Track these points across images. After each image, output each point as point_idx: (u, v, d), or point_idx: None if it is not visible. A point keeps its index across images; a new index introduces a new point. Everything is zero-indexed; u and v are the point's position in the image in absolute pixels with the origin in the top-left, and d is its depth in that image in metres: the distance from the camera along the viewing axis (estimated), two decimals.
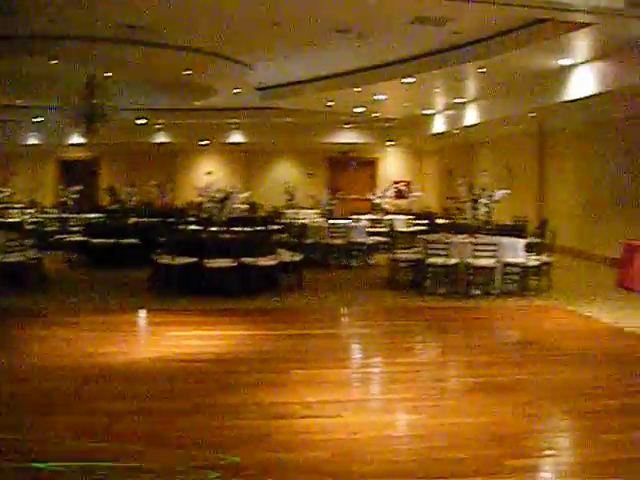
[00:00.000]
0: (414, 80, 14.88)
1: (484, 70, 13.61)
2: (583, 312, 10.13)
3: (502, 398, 6.06)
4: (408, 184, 25.10)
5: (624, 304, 10.80)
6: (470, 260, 11.29)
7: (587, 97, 12.79)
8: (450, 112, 19.82)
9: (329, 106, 19.77)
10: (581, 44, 11.37)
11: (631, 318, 9.72)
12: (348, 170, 26.76)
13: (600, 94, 12.45)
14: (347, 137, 26.03)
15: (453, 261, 11.31)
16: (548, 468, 4.72)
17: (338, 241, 15.07)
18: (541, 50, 11.70)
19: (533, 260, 11.72)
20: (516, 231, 13.54)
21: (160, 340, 8.23)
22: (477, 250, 11.32)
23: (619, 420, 5.57)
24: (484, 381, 6.57)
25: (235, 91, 18.37)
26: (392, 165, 28.49)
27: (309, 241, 14.91)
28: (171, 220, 17.40)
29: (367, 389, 6.69)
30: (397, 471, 4.52)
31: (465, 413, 5.63)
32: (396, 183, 23.39)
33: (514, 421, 5.54)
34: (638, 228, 13.04)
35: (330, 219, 16.04)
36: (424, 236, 12.50)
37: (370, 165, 28.27)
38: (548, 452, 5.04)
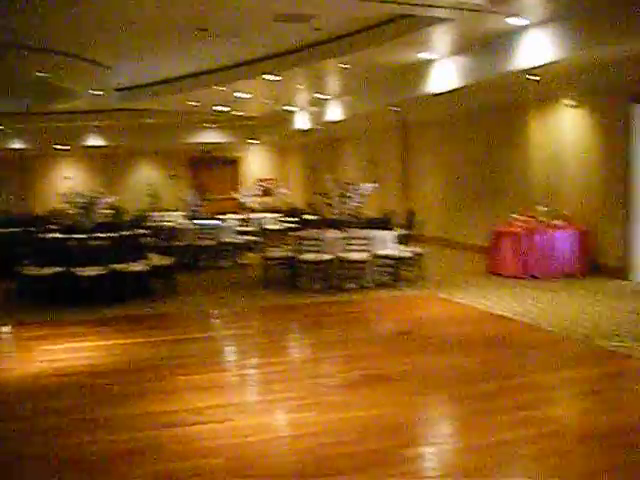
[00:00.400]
0: (277, 77, 14.83)
1: (347, 66, 13.73)
2: (456, 299, 10.42)
3: (388, 389, 6.12)
4: (273, 182, 25.12)
5: (494, 289, 11.17)
6: (343, 255, 11.38)
7: (448, 91, 13.12)
8: (313, 108, 19.91)
9: (194, 105, 19.45)
10: (441, 39, 11.64)
11: (502, 302, 10.07)
12: (212, 170, 26.50)
13: (460, 88, 12.79)
14: (210, 137, 25.72)
15: (326, 257, 11.35)
16: (440, 454, 4.77)
17: (207, 242, 14.86)
18: (402, 45, 11.89)
19: (404, 251, 11.94)
20: (384, 224, 13.75)
21: (35, 355, 7.80)
22: (349, 244, 11.42)
23: (500, 402, 5.73)
24: (368, 374, 6.61)
25: (93, 93, 17.76)
26: (256, 163, 28.44)
27: (178, 244, 14.64)
28: (32, 229, 16.63)
29: (254, 391, 6.58)
30: (293, 471, 4.46)
31: (353, 407, 5.63)
32: (261, 181, 23.35)
33: (402, 411, 5.58)
34: (503, 215, 13.50)
35: (197, 220, 15.79)
36: (296, 233, 12.49)
37: (234, 164, 28.11)
38: (438, 439, 5.11)
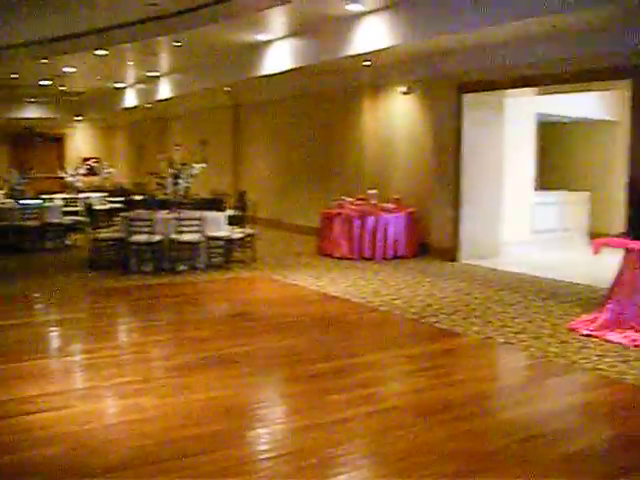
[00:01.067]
0: (106, 53, 14.34)
1: (179, 44, 13.49)
2: (289, 280, 10.51)
3: (227, 371, 6.07)
4: (99, 160, 24.35)
5: (327, 271, 11.37)
6: (174, 236, 11.21)
7: (281, 72, 13.20)
8: (143, 86, 19.45)
9: (13, 78, 18.45)
10: (278, 20, 11.68)
11: (335, 283, 10.26)
12: (34, 147, 25.31)
13: (293, 69, 12.90)
14: (32, 112, 24.54)
15: (157, 238, 11.13)
16: (282, 433, 4.81)
17: (32, 223, 14.17)
18: (238, 25, 11.84)
19: (236, 233, 11.93)
20: (217, 205, 13.68)
21: None
22: (181, 225, 11.27)
23: (338, 381, 5.85)
24: (205, 356, 6.53)
25: None
26: (82, 141, 27.45)
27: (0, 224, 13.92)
28: None
29: (88, 376, 6.27)
30: (135, 457, 4.32)
31: (193, 390, 5.55)
32: (86, 160, 22.57)
33: (242, 393, 5.57)
34: (336, 198, 13.76)
35: (20, 200, 15.03)
36: (126, 214, 12.17)
37: (59, 141, 26.96)
38: (280, 419, 5.16)
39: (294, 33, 12.51)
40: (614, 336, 7.21)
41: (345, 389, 5.60)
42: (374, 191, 13.18)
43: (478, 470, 4.16)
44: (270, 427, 4.92)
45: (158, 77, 18.21)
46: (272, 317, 8.35)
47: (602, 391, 5.86)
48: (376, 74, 13.25)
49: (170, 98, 18.23)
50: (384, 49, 11.06)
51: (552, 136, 16.34)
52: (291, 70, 13.10)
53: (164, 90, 18.25)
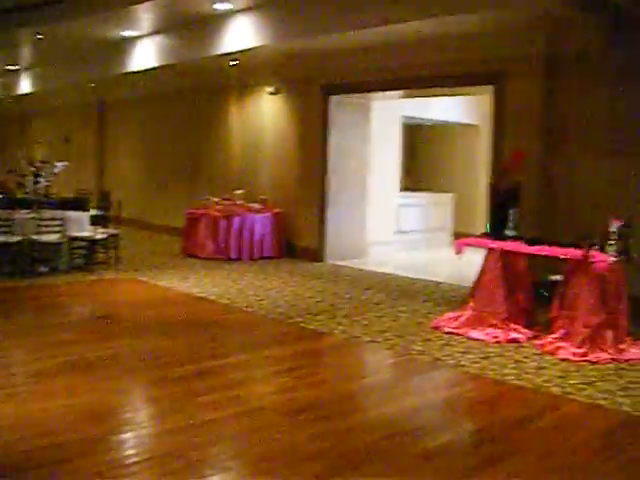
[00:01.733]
0: None
1: (41, 37, 13.03)
2: (155, 282, 10.35)
3: (92, 376, 5.91)
4: None
5: (193, 272, 11.27)
6: (34, 236, 10.81)
7: (149, 69, 12.99)
8: (2, 80, 18.67)
9: None
10: (144, 17, 11.49)
11: (201, 284, 10.20)
12: None
13: (160, 67, 12.72)
14: None
15: (15, 238, 10.71)
16: (147, 437, 4.73)
17: None
18: (104, 20, 11.57)
19: (100, 233, 11.63)
20: (79, 204, 13.27)
21: None
22: (41, 226, 10.88)
23: (204, 383, 5.82)
24: (67, 360, 6.32)
25: None
26: None
27: None
28: None
29: None
30: None
31: (56, 396, 5.37)
32: None
33: (106, 397, 5.43)
34: (200, 197, 13.66)
35: None
36: None
37: None
38: (145, 423, 5.07)
39: (161, 30, 12.34)
40: (476, 333, 7.52)
41: (211, 391, 5.58)
42: (241, 191, 13.18)
43: (342, 468, 4.23)
44: (136, 431, 4.84)
45: (19, 71, 17.51)
46: (137, 319, 8.21)
47: (465, 387, 6.12)
48: (244, 74, 13.25)
49: (31, 93, 17.57)
50: (251, 49, 11.09)
51: (418, 138, 16.86)
52: (157, 68, 12.90)
53: (25, 85, 17.58)
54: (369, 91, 12.16)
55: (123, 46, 13.34)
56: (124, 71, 13.67)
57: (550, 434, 4.92)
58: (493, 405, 5.59)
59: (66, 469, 4.12)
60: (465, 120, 15.84)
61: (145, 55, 12.93)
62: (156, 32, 12.47)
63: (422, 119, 15.44)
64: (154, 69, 13.03)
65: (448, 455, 4.53)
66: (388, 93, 12.29)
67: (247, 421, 4.96)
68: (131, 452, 4.51)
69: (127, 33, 12.63)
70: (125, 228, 14.26)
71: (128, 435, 4.76)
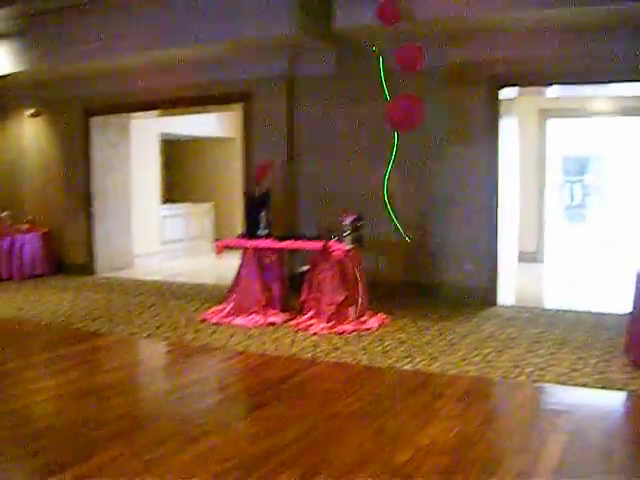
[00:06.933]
0: None
1: None
2: None
3: None
4: None
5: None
6: None
7: None
8: None
9: None
10: None
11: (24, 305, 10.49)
12: None
13: None
14: None
15: None
16: None
17: None
18: None
19: None
20: None
21: None
22: None
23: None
24: None
25: None
26: None
27: None
28: None
29: None
30: None
31: None
32: None
33: None
34: None
35: None
36: None
37: None
38: None
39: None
40: (239, 320, 8.69)
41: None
42: (6, 213, 13.36)
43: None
44: None
45: None
46: None
47: (233, 361, 7.21)
48: (2, 97, 13.50)
49: None
50: (6, 75, 11.57)
51: (177, 153, 17.83)
52: None
53: None
54: (129, 111, 12.98)
55: None
56: None
57: (304, 385, 6.17)
58: (257, 371, 6.75)
59: None
60: (222, 134, 16.97)
61: None
62: None
63: (180, 135, 16.40)
64: None
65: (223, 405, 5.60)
66: (148, 112, 13.20)
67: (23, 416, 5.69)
68: None
69: None
70: None
71: None
